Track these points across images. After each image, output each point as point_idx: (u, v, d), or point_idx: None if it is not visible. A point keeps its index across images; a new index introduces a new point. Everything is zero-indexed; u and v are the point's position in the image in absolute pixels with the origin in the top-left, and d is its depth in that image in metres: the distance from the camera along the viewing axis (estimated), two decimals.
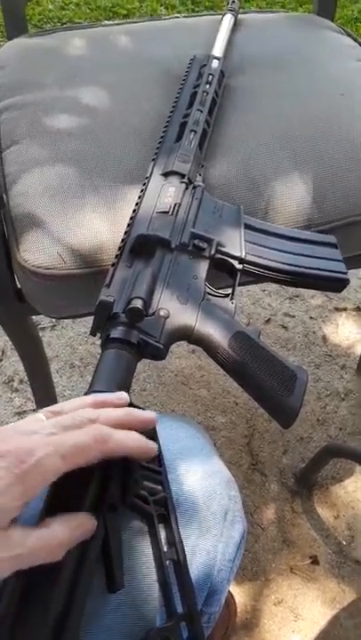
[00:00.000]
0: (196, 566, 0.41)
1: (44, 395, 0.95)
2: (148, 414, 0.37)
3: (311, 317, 1.23)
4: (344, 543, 0.93)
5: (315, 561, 0.91)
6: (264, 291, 1.27)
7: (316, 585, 0.89)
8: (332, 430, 1.05)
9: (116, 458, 0.35)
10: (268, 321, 1.22)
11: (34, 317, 0.81)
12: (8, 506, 0.29)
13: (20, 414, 1.08)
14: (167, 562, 0.38)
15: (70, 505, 0.36)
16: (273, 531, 0.94)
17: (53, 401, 0.99)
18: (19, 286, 0.67)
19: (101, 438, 0.32)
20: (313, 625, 0.85)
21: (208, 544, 0.42)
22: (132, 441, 0.34)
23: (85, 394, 0.41)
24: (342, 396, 1.10)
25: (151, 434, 0.40)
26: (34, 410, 1.04)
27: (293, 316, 1.23)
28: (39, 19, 1.96)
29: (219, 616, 0.44)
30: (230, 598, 0.84)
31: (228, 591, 0.64)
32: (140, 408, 0.41)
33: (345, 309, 1.25)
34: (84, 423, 0.33)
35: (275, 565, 0.91)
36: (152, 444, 0.36)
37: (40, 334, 0.97)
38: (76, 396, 1.08)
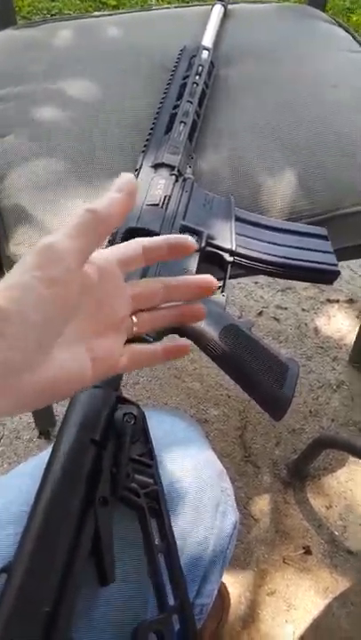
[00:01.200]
0: (187, 558, 0.41)
1: None
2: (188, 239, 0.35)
3: (303, 309, 1.23)
4: (336, 533, 0.93)
5: (308, 551, 0.91)
6: (256, 283, 1.27)
7: (309, 575, 0.89)
8: (324, 422, 1.06)
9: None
10: (260, 313, 1.22)
11: None
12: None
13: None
14: (158, 554, 0.38)
15: (61, 499, 0.36)
16: (266, 522, 0.94)
17: None
18: None
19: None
20: (306, 614, 0.86)
21: (200, 536, 0.42)
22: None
23: None
24: (334, 387, 1.11)
25: (142, 426, 0.40)
26: None
27: (285, 309, 1.23)
28: (28, 10, 1.94)
29: (212, 607, 0.45)
30: (224, 590, 0.84)
31: (222, 582, 0.65)
32: (132, 403, 0.41)
33: (337, 301, 1.25)
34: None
35: (268, 556, 0.91)
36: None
37: None
38: None
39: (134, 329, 0.34)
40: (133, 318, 0.34)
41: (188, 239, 0.35)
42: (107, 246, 0.52)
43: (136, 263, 0.34)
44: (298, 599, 0.87)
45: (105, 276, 0.31)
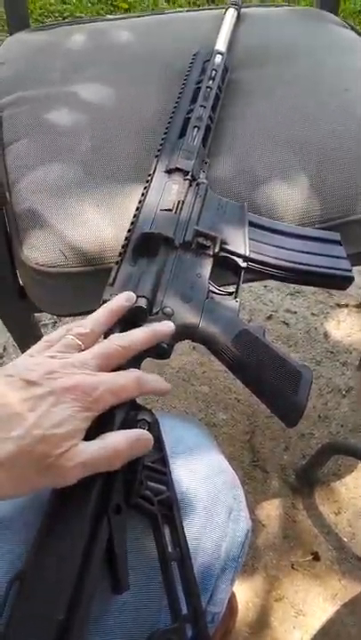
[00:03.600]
0: (199, 566, 0.41)
1: None
2: (167, 326, 0.46)
3: (313, 314, 1.22)
4: (345, 539, 0.93)
5: (316, 557, 0.91)
6: (266, 287, 1.26)
7: (318, 581, 0.89)
8: (333, 427, 1.05)
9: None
10: (269, 317, 1.21)
11: (35, 314, 0.81)
12: (80, 428, 0.36)
13: None
14: (172, 562, 0.38)
15: (74, 507, 0.36)
16: (274, 527, 0.94)
17: None
18: (21, 283, 0.66)
19: (140, 381, 0.40)
20: (314, 621, 0.86)
21: (212, 544, 0.42)
22: (164, 385, 0.42)
23: None
24: (344, 392, 1.10)
25: (155, 433, 0.40)
26: None
27: (295, 313, 1.22)
28: (40, 13, 1.94)
29: (222, 616, 0.44)
30: (232, 595, 0.84)
31: None
32: (143, 408, 0.41)
33: (346, 306, 1.24)
34: (119, 352, 0.41)
35: (276, 562, 0.91)
36: (166, 386, 0.43)
37: (42, 331, 0.97)
38: None
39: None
40: None
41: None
42: (120, 252, 0.52)
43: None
44: (306, 605, 0.87)
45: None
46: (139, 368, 0.45)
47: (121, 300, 0.45)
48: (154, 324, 0.45)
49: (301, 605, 0.87)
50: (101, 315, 0.43)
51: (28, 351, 0.41)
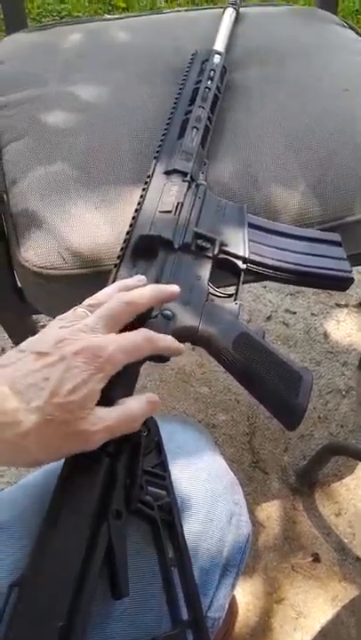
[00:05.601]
0: (199, 571, 0.40)
1: None
2: (172, 287, 0.45)
3: (312, 314, 1.22)
4: (346, 541, 0.93)
5: (316, 559, 0.91)
6: (265, 287, 1.26)
7: (318, 583, 0.89)
8: (333, 428, 1.05)
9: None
10: (269, 318, 1.21)
11: (34, 316, 0.81)
12: (95, 390, 0.36)
13: None
14: (172, 568, 0.37)
15: (74, 512, 0.36)
16: (274, 528, 0.94)
17: None
18: (19, 285, 0.66)
19: (150, 338, 0.40)
20: (315, 623, 0.86)
21: (212, 549, 0.42)
22: (172, 341, 0.42)
23: None
24: (343, 393, 1.10)
25: (155, 438, 0.40)
26: None
27: (295, 313, 1.22)
28: (38, 12, 1.94)
29: (223, 621, 0.44)
30: (232, 597, 0.84)
31: None
32: None
33: (346, 306, 1.24)
34: (125, 309, 0.41)
35: (276, 563, 0.90)
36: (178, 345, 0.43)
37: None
38: None
39: None
40: None
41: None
42: (119, 254, 0.51)
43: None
44: (307, 607, 0.87)
45: None
46: (138, 371, 0.44)
47: (134, 280, 0.45)
48: (159, 285, 0.45)
49: (302, 607, 0.87)
50: (113, 289, 0.43)
51: (43, 330, 0.41)
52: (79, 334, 0.38)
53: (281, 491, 0.97)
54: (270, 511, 0.95)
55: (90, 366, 0.36)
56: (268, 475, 0.99)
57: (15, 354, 0.37)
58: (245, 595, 0.87)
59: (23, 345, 0.38)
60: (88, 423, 0.35)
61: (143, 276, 0.46)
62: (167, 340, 0.42)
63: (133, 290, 0.43)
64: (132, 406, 0.38)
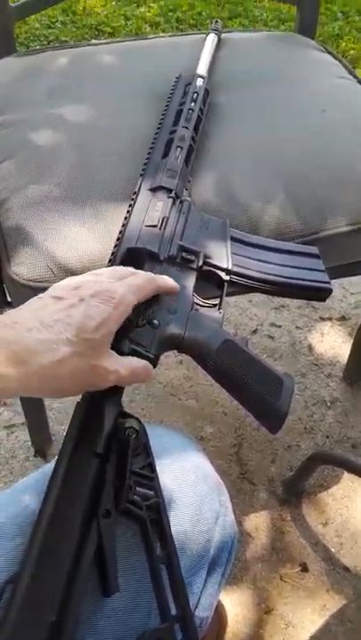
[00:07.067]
0: (187, 569, 0.42)
1: (33, 408, 0.95)
2: (172, 281, 0.49)
3: (297, 327, 1.25)
4: (333, 550, 0.94)
5: (304, 568, 0.92)
6: (250, 301, 1.28)
7: (306, 592, 0.90)
8: (319, 438, 1.07)
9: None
10: (254, 331, 1.23)
11: None
12: (111, 331, 0.40)
13: (9, 427, 1.07)
14: (160, 565, 0.39)
15: (65, 512, 0.37)
16: (262, 539, 0.94)
17: (42, 414, 0.99)
18: (9, 299, 0.67)
19: (151, 279, 0.45)
20: (303, 632, 0.86)
21: (199, 548, 0.43)
22: (169, 281, 0.48)
23: (78, 404, 0.42)
24: (328, 404, 1.12)
25: (142, 440, 0.42)
26: (22, 423, 1.04)
27: (280, 326, 1.25)
28: (26, 37, 1.98)
29: (210, 623, 0.45)
30: (220, 606, 0.84)
31: (218, 600, 0.65)
32: (133, 418, 0.43)
33: (330, 319, 1.27)
34: (129, 270, 0.45)
35: (265, 573, 0.91)
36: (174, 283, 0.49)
37: None
38: (66, 407, 1.08)
39: None
40: None
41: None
42: (107, 265, 0.53)
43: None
44: (295, 617, 0.87)
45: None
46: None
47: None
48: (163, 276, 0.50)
49: (291, 617, 0.87)
50: (120, 269, 0.46)
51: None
52: (92, 282, 0.42)
53: (268, 501, 0.98)
54: (258, 522, 0.96)
55: (107, 306, 0.39)
56: (255, 486, 1.00)
57: (35, 300, 0.41)
58: (234, 605, 0.88)
59: (40, 293, 0.41)
60: (107, 361, 0.39)
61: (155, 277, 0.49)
62: (165, 279, 0.47)
63: (159, 276, 0.48)
64: (136, 363, 0.42)
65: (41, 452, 1.03)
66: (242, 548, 0.93)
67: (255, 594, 0.89)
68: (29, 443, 1.04)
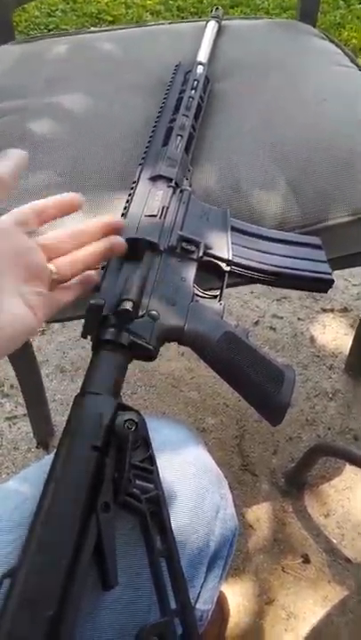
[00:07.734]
0: (187, 563, 0.41)
1: (35, 399, 0.95)
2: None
3: (299, 318, 1.24)
4: (335, 541, 0.94)
5: (306, 560, 0.92)
6: (252, 292, 1.28)
7: (308, 583, 0.90)
8: (320, 430, 1.06)
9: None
10: (256, 323, 1.23)
11: None
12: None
13: (11, 419, 1.08)
14: (160, 559, 0.38)
15: (64, 505, 0.37)
16: (264, 530, 0.95)
17: (44, 405, 0.99)
18: None
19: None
20: (305, 623, 0.86)
21: (200, 542, 0.43)
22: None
23: (76, 396, 0.42)
24: (330, 395, 1.12)
25: (142, 433, 0.41)
26: (24, 414, 1.04)
27: (281, 318, 1.24)
28: (25, 25, 1.97)
29: (212, 615, 0.45)
30: (223, 598, 0.84)
31: (221, 591, 0.65)
32: (132, 410, 0.42)
33: (332, 310, 1.26)
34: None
35: (266, 565, 0.91)
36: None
37: (30, 339, 0.97)
38: (68, 399, 1.08)
39: (54, 274, 0.42)
40: (51, 266, 0.42)
41: (73, 195, 0.45)
42: None
43: (31, 222, 0.43)
44: (297, 608, 0.88)
45: (8, 236, 0.41)
46: (125, 371, 0.46)
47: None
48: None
49: (292, 608, 0.88)
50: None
51: None
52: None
53: (270, 493, 0.98)
54: (260, 513, 0.96)
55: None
56: (257, 477, 1.00)
57: None
58: (236, 596, 0.88)
59: None
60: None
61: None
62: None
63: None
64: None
65: (43, 443, 1.03)
66: (244, 539, 0.93)
67: (257, 585, 0.89)
68: (32, 434, 1.04)
